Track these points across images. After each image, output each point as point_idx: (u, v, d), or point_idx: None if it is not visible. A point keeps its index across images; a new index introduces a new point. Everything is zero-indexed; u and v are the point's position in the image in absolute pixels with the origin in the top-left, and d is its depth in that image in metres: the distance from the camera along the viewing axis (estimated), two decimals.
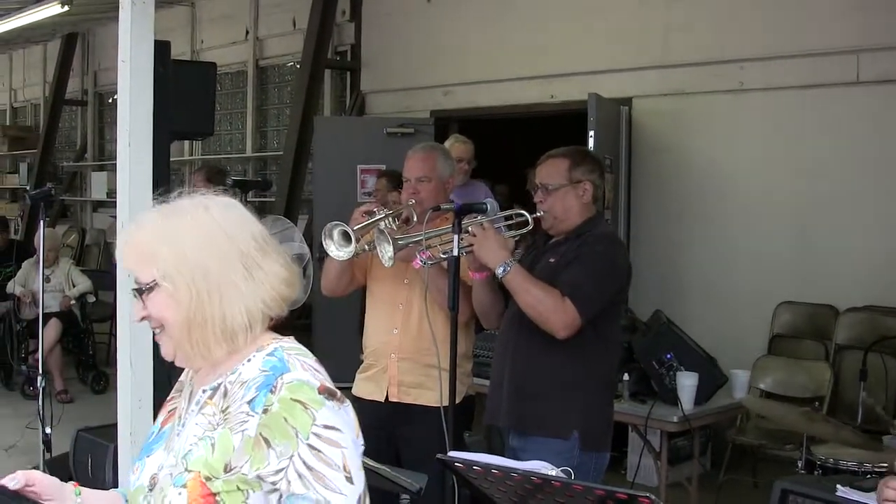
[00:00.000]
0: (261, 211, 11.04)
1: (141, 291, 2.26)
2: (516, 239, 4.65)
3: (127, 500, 2.48)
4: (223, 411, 2.21)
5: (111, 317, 12.05)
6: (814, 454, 5.39)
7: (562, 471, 2.93)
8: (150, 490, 2.28)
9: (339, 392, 2.20)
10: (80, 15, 14.00)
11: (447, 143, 8.71)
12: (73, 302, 11.26)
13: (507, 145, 12.05)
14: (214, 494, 2.13)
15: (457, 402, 4.52)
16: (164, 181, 5.19)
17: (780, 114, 8.82)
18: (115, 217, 15.01)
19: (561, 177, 4.53)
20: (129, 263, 2.29)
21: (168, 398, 2.51)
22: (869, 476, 4.86)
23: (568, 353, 4.36)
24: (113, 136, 17.43)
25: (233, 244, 2.26)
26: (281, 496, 2.12)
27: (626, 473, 7.60)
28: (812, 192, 8.61)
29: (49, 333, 10.23)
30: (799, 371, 7.80)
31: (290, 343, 2.32)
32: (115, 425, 5.19)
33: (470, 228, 4.38)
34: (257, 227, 2.35)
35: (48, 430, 6.15)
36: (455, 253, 4.26)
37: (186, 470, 2.17)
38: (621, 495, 2.67)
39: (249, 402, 2.16)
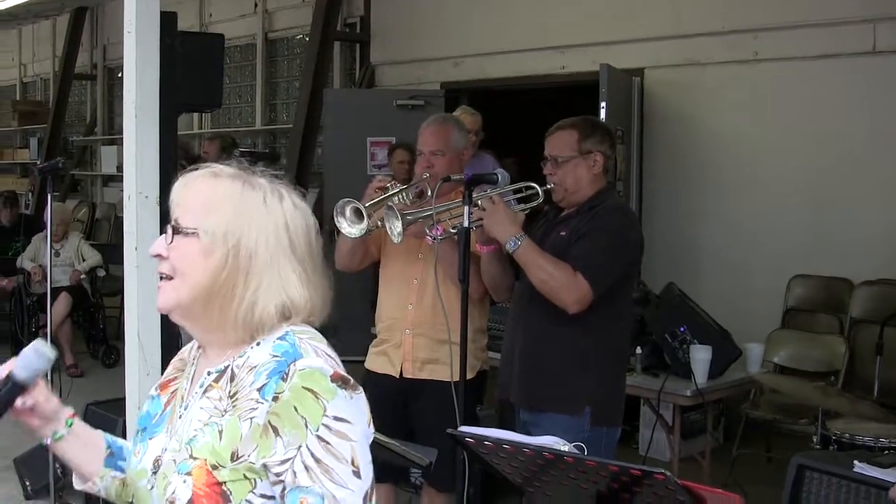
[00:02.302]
0: None
1: (175, 230, 2.16)
2: (526, 213, 4.57)
3: (110, 447, 2.43)
4: (231, 396, 2.11)
5: (121, 291, 12.05)
6: (829, 429, 5.34)
7: (574, 446, 2.88)
8: (154, 473, 2.20)
9: (352, 380, 2.11)
10: None
11: (455, 114, 8.67)
12: (83, 276, 11.25)
13: (518, 117, 11.97)
14: (221, 483, 2.05)
15: (470, 376, 4.48)
16: (172, 154, 5.11)
17: (794, 84, 8.73)
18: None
19: (570, 148, 4.46)
20: (181, 197, 2.20)
21: (168, 376, 2.42)
22: (886, 451, 4.82)
23: (579, 328, 4.30)
24: (122, 111, 17.38)
25: (290, 240, 2.18)
26: (285, 488, 2.04)
27: (638, 448, 7.56)
28: (826, 163, 8.52)
29: (59, 308, 10.23)
30: (813, 345, 7.74)
31: (301, 327, 2.20)
32: (124, 399, 5.16)
33: (479, 202, 4.32)
34: (316, 238, 2.27)
35: None
36: (466, 225, 4.18)
37: (191, 457, 2.09)
38: (635, 471, 2.62)
39: (259, 389, 2.06)
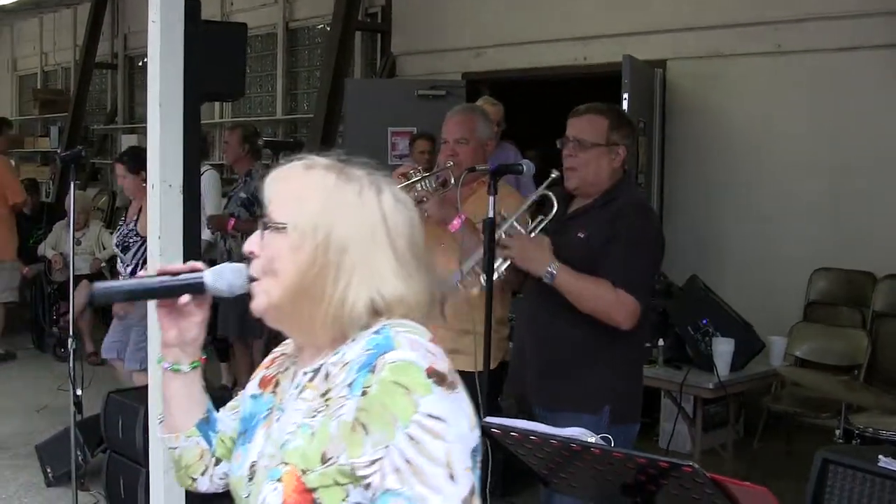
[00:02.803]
0: None
1: (266, 226, 2.07)
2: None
3: (209, 413, 2.34)
4: (323, 395, 2.01)
5: None
6: (852, 423, 5.32)
7: (601, 437, 2.87)
8: (250, 480, 2.12)
9: (450, 377, 1.93)
10: None
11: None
12: (103, 264, 11.27)
13: (539, 108, 11.95)
14: (311, 490, 1.91)
15: (492, 367, 4.46)
16: (195, 143, 5.11)
17: (817, 77, 8.69)
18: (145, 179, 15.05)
19: (598, 136, 4.28)
20: (273, 191, 2.10)
21: (270, 373, 2.31)
22: None
23: (596, 327, 4.15)
24: (143, 100, 17.36)
25: (388, 236, 2.05)
26: (374, 493, 1.88)
27: (658, 440, 7.55)
28: (849, 157, 8.48)
29: (80, 296, 10.24)
30: (836, 338, 7.71)
31: (398, 320, 2.04)
32: (145, 387, 5.16)
33: (502, 241, 4.17)
34: (420, 236, 2.12)
35: (79, 392, 6.14)
36: (490, 215, 4.14)
37: (283, 462, 1.98)
38: (663, 463, 2.61)
39: (349, 385, 1.94)
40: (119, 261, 7.82)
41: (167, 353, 2.23)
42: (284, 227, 2.04)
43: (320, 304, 2.02)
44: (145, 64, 15.60)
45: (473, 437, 1.93)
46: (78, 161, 6.45)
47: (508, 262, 4.18)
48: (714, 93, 9.42)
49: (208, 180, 8.85)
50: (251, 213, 8.32)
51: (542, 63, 10.83)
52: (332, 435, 1.92)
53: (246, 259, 2.12)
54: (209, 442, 2.32)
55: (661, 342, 6.24)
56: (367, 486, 1.88)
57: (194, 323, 2.20)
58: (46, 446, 7.24)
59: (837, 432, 5.44)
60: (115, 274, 11.62)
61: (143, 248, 7.34)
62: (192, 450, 2.31)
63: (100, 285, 2.11)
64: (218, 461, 2.34)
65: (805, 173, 8.73)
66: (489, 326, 4.30)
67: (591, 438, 2.84)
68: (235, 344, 8.77)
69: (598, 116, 4.34)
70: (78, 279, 9.92)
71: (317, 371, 2.07)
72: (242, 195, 8.47)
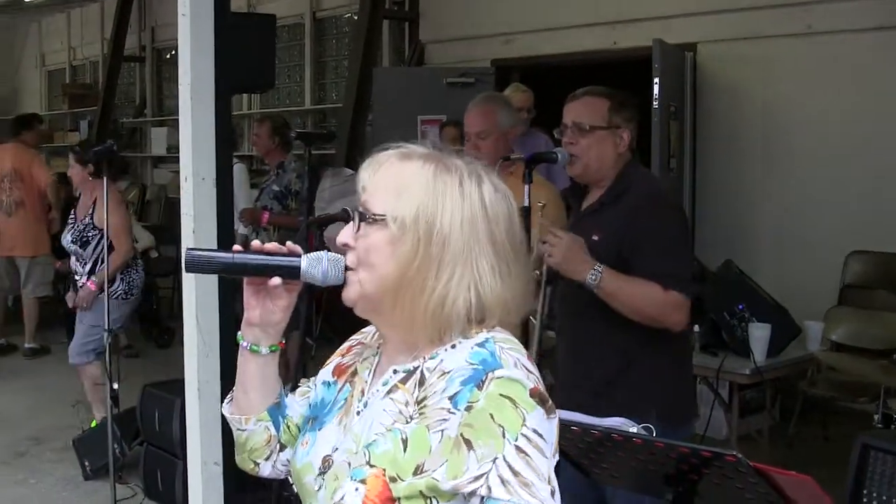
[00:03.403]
0: (321, 164, 11.03)
1: (363, 217, 1.99)
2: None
3: (280, 399, 2.27)
4: (419, 403, 1.94)
5: (174, 271, 12.13)
6: (891, 408, 5.27)
7: (642, 428, 2.84)
8: (322, 473, 2.06)
9: (550, 401, 1.91)
10: None
11: (506, 93, 8.63)
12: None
13: (569, 94, 11.91)
14: (395, 499, 1.87)
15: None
16: (227, 135, 5.10)
17: (849, 57, 8.59)
18: (175, 172, 15.04)
19: (600, 118, 4.02)
20: (369, 181, 2.03)
21: (346, 361, 2.27)
22: None
23: (637, 330, 3.85)
24: (172, 92, 17.48)
25: (488, 228, 1.99)
26: (482, 499, 1.83)
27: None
28: (883, 138, 8.39)
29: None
30: (872, 322, 7.65)
31: (502, 335, 2.00)
32: (181, 380, 5.17)
33: (543, 238, 3.93)
34: (518, 228, 2.07)
35: (115, 386, 6.15)
36: (525, 204, 4.07)
37: (369, 464, 1.91)
38: (706, 453, 2.59)
39: (451, 398, 1.88)
40: (75, 259, 7.74)
41: (248, 332, 2.17)
42: (383, 219, 1.98)
43: (419, 300, 1.96)
44: (173, 56, 15.58)
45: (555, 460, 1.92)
46: (110, 156, 6.45)
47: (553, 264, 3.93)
48: (745, 75, 9.35)
49: (238, 174, 8.83)
50: (284, 206, 8.29)
51: (571, 48, 10.78)
52: (431, 448, 1.87)
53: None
54: (277, 427, 2.27)
55: (696, 328, 6.20)
56: (432, 501, 1.87)
57: (280, 307, 2.13)
58: (83, 440, 7.28)
59: (876, 417, 5.39)
60: (147, 264, 11.69)
61: (102, 241, 7.33)
62: (259, 434, 2.26)
63: (194, 252, 2.05)
64: (283, 447, 2.28)
65: (838, 155, 8.65)
66: (542, 317, 4.21)
67: (633, 429, 2.82)
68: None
69: (597, 98, 4.11)
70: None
71: (410, 373, 2.02)
72: (275, 188, 8.41)
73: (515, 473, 1.81)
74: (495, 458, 1.81)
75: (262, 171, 13.07)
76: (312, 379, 2.34)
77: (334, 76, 14.31)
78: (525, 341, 4.22)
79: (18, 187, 10.82)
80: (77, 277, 7.69)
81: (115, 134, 16.98)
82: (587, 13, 10.44)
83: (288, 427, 2.28)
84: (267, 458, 2.30)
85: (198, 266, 2.06)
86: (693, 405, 4.33)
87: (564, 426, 2.87)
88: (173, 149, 15.98)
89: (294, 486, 2.20)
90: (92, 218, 7.47)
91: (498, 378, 1.87)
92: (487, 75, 11.00)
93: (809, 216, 8.85)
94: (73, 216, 7.81)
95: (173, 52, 17.25)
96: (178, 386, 5.57)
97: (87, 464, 7.09)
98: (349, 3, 13.18)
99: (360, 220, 2.00)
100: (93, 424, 7.56)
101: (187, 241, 4.91)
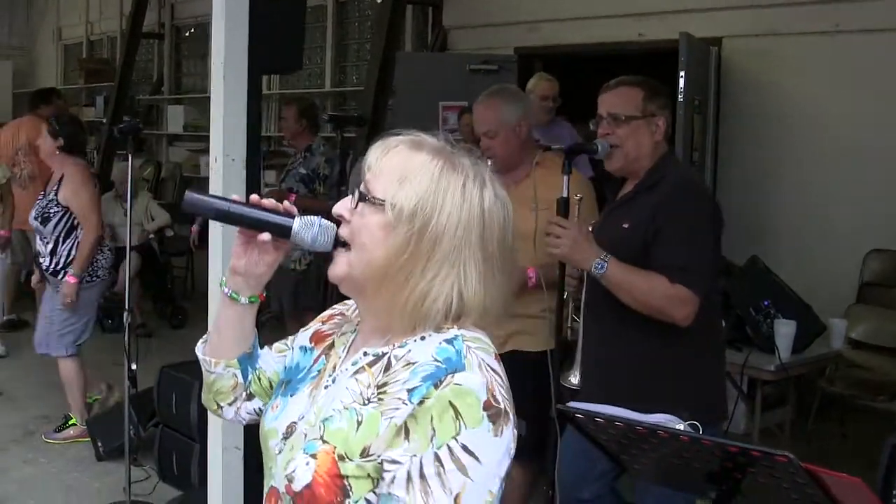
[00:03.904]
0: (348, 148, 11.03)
1: (362, 196, 2.03)
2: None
3: (254, 349, 2.32)
4: (379, 388, 1.97)
5: (188, 250, 12.12)
6: None
7: (688, 425, 2.81)
8: (285, 439, 2.11)
9: (508, 414, 1.93)
10: None
11: (531, 82, 8.64)
12: (151, 236, 11.30)
13: (594, 84, 11.89)
14: (343, 476, 1.91)
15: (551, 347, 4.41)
16: (257, 116, 5.05)
17: (876, 56, 8.57)
18: (192, 151, 14.95)
19: (635, 107, 4.04)
20: (376, 163, 2.05)
21: (326, 330, 2.32)
22: None
23: (665, 332, 3.82)
24: (190, 70, 17.44)
25: (482, 235, 2.01)
26: (378, 492, 1.91)
27: None
28: None
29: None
30: (892, 320, 7.64)
31: (472, 333, 2.02)
32: (197, 361, 5.12)
33: (549, 230, 3.96)
34: (510, 235, 2.08)
35: (133, 367, 6.10)
36: (564, 194, 4.04)
37: (322, 439, 1.96)
38: (756, 452, 2.56)
39: (410, 391, 1.91)
40: (38, 237, 7.57)
41: (231, 279, 2.21)
42: (382, 204, 2.00)
43: (402, 292, 1.99)
44: (193, 34, 15.56)
45: (497, 481, 1.93)
46: (136, 134, 6.40)
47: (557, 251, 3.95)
48: (770, 72, 9.33)
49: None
50: (311, 190, 8.25)
51: (596, 39, 10.74)
52: (379, 433, 1.91)
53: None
54: (245, 377, 2.31)
55: (722, 323, 6.18)
56: (377, 482, 1.91)
57: (266, 262, 2.18)
58: (98, 420, 7.25)
59: None
60: (162, 242, 11.69)
61: (65, 218, 7.26)
62: (226, 379, 2.31)
63: (193, 194, 2.11)
64: (251, 396, 2.35)
65: (860, 153, 8.65)
66: (560, 305, 4.22)
67: (680, 426, 2.80)
68: (289, 320, 8.65)
69: (630, 88, 4.11)
70: (124, 251, 9.98)
71: (378, 357, 2.05)
72: (302, 171, 8.35)
73: (422, 477, 1.86)
74: (413, 456, 1.87)
75: (280, 153, 13.05)
76: (291, 339, 2.40)
77: (355, 59, 14.27)
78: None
79: (32, 161, 10.76)
80: (41, 259, 7.47)
81: (132, 111, 16.92)
82: (613, 4, 10.41)
83: (259, 379, 2.34)
84: (231, 404, 2.35)
85: (193, 208, 2.13)
86: (724, 406, 4.27)
87: (608, 421, 2.85)
88: (190, 127, 15.97)
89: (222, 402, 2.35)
90: (56, 194, 7.32)
91: (456, 384, 1.90)
92: (510, 63, 10.98)
93: (829, 214, 8.86)
94: (42, 192, 7.67)
95: (193, 30, 17.24)
96: (195, 368, 5.52)
97: (100, 445, 7.04)
98: None
99: (360, 199, 2.04)
100: (72, 422, 7.46)
101: (214, 224, 4.87)
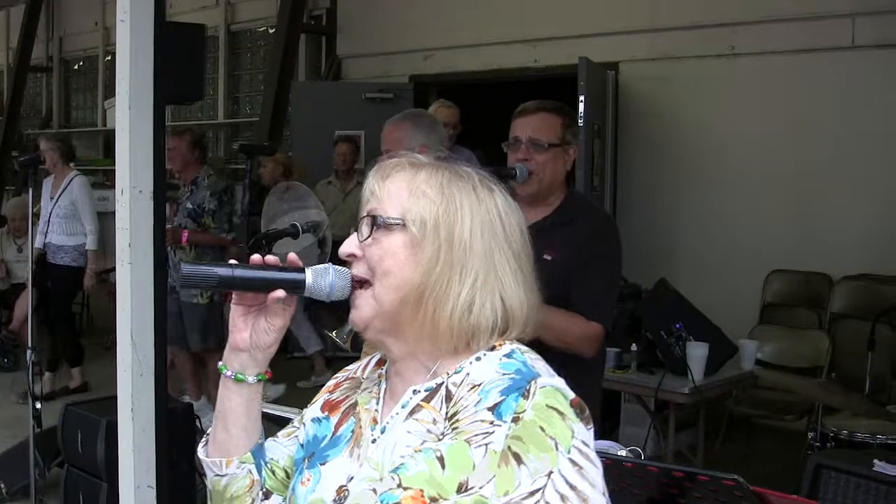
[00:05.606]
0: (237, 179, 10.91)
1: (375, 224, 1.91)
2: None
3: (262, 440, 2.08)
4: (449, 418, 1.85)
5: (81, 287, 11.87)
6: (826, 426, 5.27)
7: (630, 451, 2.77)
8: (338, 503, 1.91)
9: (587, 410, 1.83)
10: None
11: (431, 109, 8.58)
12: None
13: (489, 111, 11.91)
14: None
15: None
16: (163, 147, 4.94)
17: (773, 79, 8.71)
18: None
19: (555, 135, 3.95)
20: (380, 188, 1.95)
21: (336, 397, 2.12)
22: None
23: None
24: (79, 103, 17.18)
25: (506, 236, 1.92)
26: None
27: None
28: (805, 158, 8.53)
29: (23, 305, 10.02)
30: (797, 340, 7.74)
31: (524, 346, 1.94)
32: (104, 399, 5.00)
33: None
34: (527, 237, 1.99)
35: (38, 406, 5.92)
36: None
37: (401, 486, 1.79)
38: (703, 477, 2.53)
39: (493, 409, 1.79)
40: None
41: (233, 358, 2.02)
42: (399, 223, 1.90)
43: (444, 307, 1.87)
44: (82, 67, 15.31)
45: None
46: (37, 167, 6.25)
47: None
48: (668, 95, 9.43)
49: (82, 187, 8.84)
50: (199, 225, 8.08)
51: (492, 65, 10.81)
52: (475, 464, 1.76)
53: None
54: (259, 471, 2.08)
55: (633, 347, 6.20)
56: None
57: (275, 328, 2.00)
58: (2, 460, 7.03)
59: (811, 435, 5.38)
60: None
61: None
62: (242, 479, 2.06)
63: (189, 267, 1.91)
64: (267, 494, 2.09)
65: (759, 176, 8.77)
66: None
67: (622, 452, 2.76)
68: (179, 355, 8.43)
69: (551, 115, 4.02)
70: (20, 287, 9.76)
71: (433, 390, 1.91)
72: (189, 206, 8.16)
73: (573, 487, 1.73)
74: (550, 473, 1.73)
75: (171, 185, 12.85)
76: (298, 418, 2.17)
77: (248, 90, 14.19)
78: None
79: None
80: None
81: (20, 145, 16.59)
82: (508, 30, 10.44)
83: (273, 472, 2.10)
84: None
85: (192, 282, 1.91)
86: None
87: None
88: (80, 162, 15.68)
89: None
90: None
91: (542, 387, 1.79)
92: (406, 91, 10.97)
93: (728, 235, 8.96)
94: None
95: (81, 63, 16.99)
96: (101, 405, 5.40)
97: (2, 486, 6.83)
98: (264, 16, 13.07)
99: (372, 226, 1.91)
100: None
101: (122, 255, 4.73)
